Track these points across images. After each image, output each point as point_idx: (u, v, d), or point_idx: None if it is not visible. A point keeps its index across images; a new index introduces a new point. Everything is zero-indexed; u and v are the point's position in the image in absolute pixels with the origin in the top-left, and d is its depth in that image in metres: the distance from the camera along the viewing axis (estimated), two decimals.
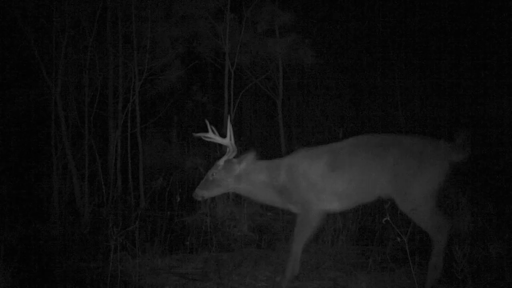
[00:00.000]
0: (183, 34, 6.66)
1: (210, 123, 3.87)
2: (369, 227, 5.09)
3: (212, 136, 3.85)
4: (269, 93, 7.67)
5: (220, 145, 6.16)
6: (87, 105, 5.84)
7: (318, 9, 10.35)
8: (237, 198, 5.83)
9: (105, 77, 6.33)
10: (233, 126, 6.33)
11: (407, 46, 10.86)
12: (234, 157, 3.85)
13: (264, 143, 10.35)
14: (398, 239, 3.12)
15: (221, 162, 3.82)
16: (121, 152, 6.29)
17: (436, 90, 10.91)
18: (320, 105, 10.28)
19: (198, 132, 3.90)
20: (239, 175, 3.79)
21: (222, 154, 3.88)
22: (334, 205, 3.67)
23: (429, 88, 10.96)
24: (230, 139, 3.83)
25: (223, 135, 3.86)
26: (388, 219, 3.05)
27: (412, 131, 3.74)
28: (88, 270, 3.98)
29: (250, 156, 3.81)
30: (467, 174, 6.11)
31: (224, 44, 6.36)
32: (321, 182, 3.59)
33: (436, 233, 3.39)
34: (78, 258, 4.27)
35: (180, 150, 9.42)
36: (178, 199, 4.83)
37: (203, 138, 3.88)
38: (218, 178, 3.80)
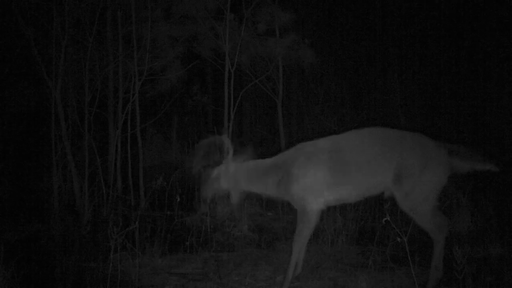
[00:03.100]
0: (183, 34, 6.66)
1: (212, 128, 3.87)
2: (369, 227, 5.09)
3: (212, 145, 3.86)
4: (269, 93, 7.67)
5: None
6: (87, 105, 5.84)
7: (318, 9, 10.35)
8: None
9: (105, 77, 6.33)
10: (233, 126, 6.35)
11: (407, 46, 10.86)
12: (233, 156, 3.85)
13: (264, 143, 10.36)
14: (398, 239, 3.11)
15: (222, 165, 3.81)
16: (121, 152, 6.29)
17: (436, 90, 10.91)
18: (320, 105, 10.28)
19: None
20: (234, 176, 3.78)
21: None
22: (333, 203, 3.64)
23: (429, 88, 10.97)
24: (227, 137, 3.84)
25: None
26: (388, 219, 3.04)
27: (412, 131, 3.72)
28: (88, 270, 3.98)
29: (236, 160, 3.79)
30: (467, 174, 6.10)
31: (224, 44, 6.36)
32: (320, 186, 3.50)
33: (437, 233, 3.38)
34: (78, 258, 4.27)
35: (180, 150, 9.42)
36: (178, 199, 4.82)
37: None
38: (218, 181, 3.80)
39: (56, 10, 5.45)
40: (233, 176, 3.78)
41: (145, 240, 4.38)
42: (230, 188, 3.82)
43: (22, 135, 7.46)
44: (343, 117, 10.24)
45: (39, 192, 6.03)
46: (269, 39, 7.04)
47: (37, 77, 5.98)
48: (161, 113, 7.28)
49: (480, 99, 10.34)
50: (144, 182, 6.22)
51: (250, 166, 3.82)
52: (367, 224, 5.15)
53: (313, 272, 3.94)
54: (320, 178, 3.49)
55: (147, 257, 4.24)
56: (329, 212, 4.89)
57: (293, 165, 3.58)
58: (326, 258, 4.25)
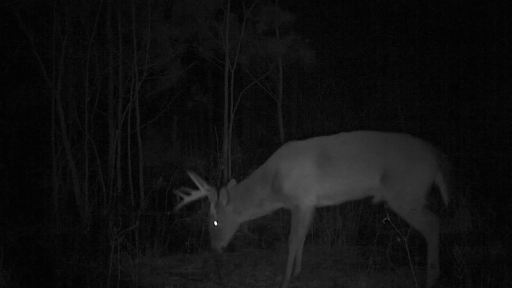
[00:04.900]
0: (183, 34, 6.66)
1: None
2: (369, 227, 5.08)
3: (189, 198, 3.86)
4: (269, 93, 7.67)
5: (221, 144, 6.18)
6: (87, 105, 5.84)
7: (318, 9, 10.35)
8: None
9: (105, 77, 6.33)
10: (233, 126, 6.34)
11: (407, 46, 10.85)
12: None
13: (264, 143, 10.35)
14: (398, 239, 3.11)
15: (212, 210, 3.77)
16: (121, 152, 6.29)
17: (436, 90, 10.91)
18: (320, 105, 10.27)
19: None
20: (234, 209, 3.77)
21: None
22: (324, 202, 3.67)
23: (429, 88, 10.97)
24: (205, 186, 3.80)
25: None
26: (388, 219, 3.04)
27: (412, 131, 3.73)
28: (88, 270, 3.98)
29: (224, 190, 3.74)
30: (467, 174, 6.11)
31: (224, 44, 6.36)
32: (309, 179, 3.56)
33: (429, 231, 3.39)
34: (78, 258, 4.27)
35: (180, 150, 9.42)
36: (178, 199, 4.83)
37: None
38: (221, 224, 3.74)
39: (56, 10, 5.46)
40: (230, 206, 3.76)
41: (145, 240, 4.38)
42: (224, 229, 3.75)
43: (22, 135, 7.46)
44: (343, 117, 10.24)
45: (39, 192, 6.03)
46: (269, 39, 7.04)
47: (37, 77, 5.98)
48: (161, 113, 7.28)
49: (480, 100, 10.34)
50: (144, 182, 6.21)
51: (242, 185, 3.84)
52: (367, 224, 5.14)
53: (313, 272, 3.94)
54: (307, 169, 3.56)
55: (147, 257, 4.25)
56: (329, 212, 4.90)
57: (281, 160, 3.68)
58: (326, 258, 4.25)
